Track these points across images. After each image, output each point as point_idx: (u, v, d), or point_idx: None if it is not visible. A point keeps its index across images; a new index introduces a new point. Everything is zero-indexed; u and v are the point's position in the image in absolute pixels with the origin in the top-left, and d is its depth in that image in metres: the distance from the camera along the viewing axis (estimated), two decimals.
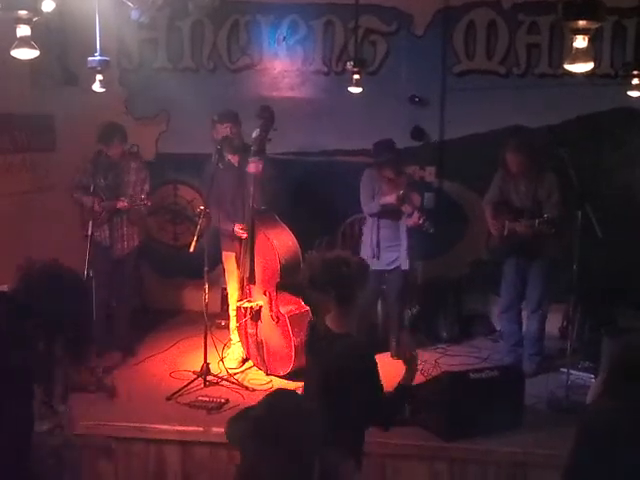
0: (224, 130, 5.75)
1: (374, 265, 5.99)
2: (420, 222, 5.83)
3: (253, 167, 5.54)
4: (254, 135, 5.54)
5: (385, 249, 6.04)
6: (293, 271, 5.53)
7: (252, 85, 7.05)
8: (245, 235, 5.70)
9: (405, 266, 6.05)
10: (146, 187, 5.98)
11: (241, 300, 5.80)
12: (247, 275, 5.74)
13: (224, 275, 6.09)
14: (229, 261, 5.93)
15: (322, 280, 3.34)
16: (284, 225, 5.74)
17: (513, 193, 5.84)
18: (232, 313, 6.00)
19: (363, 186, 6.05)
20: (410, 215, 5.92)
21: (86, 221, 5.80)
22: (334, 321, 3.37)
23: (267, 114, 5.58)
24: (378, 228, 6.03)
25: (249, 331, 5.80)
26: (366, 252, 6.06)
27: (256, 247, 5.67)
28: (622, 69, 6.25)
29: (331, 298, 3.33)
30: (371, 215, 6.05)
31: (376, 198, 5.97)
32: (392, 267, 6.07)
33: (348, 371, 3.22)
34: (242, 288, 5.82)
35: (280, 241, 5.60)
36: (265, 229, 5.64)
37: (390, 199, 5.90)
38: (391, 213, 5.98)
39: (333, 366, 3.23)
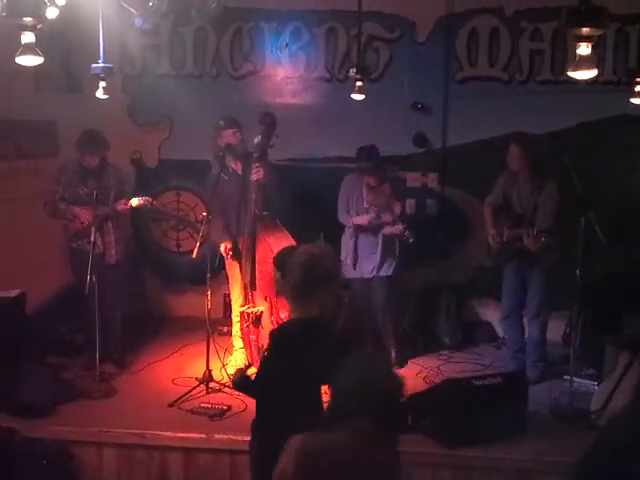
0: (231, 136, 5.74)
1: (353, 274, 6.02)
2: (400, 232, 5.77)
3: (255, 174, 5.55)
4: (256, 141, 5.56)
5: (364, 258, 6.00)
6: None
7: (255, 92, 7.05)
8: (229, 255, 5.76)
9: (384, 272, 5.98)
10: (123, 189, 5.98)
11: (244, 306, 5.81)
12: (248, 281, 5.75)
13: (228, 281, 6.08)
14: (232, 267, 5.92)
15: (285, 268, 3.50)
16: (285, 230, 5.75)
17: (515, 197, 5.83)
18: (235, 319, 6.00)
19: (342, 194, 6.04)
20: (392, 224, 5.88)
21: (74, 232, 5.74)
22: (296, 310, 3.47)
23: (269, 120, 5.59)
24: (357, 236, 6.00)
25: (251, 337, 5.81)
26: (345, 260, 6.01)
27: (257, 253, 5.68)
28: (625, 76, 6.27)
29: (290, 286, 3.45)
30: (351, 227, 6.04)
31: (360, 207, 5.95)
32: (372, 275, 6.00)
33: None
34: (245, 294, 5.82)
35: (280, 247, 5.60)
36: (266, 234, 5.65)
37: (362, 220, 5.91)
38: (369, 228, 5.94)
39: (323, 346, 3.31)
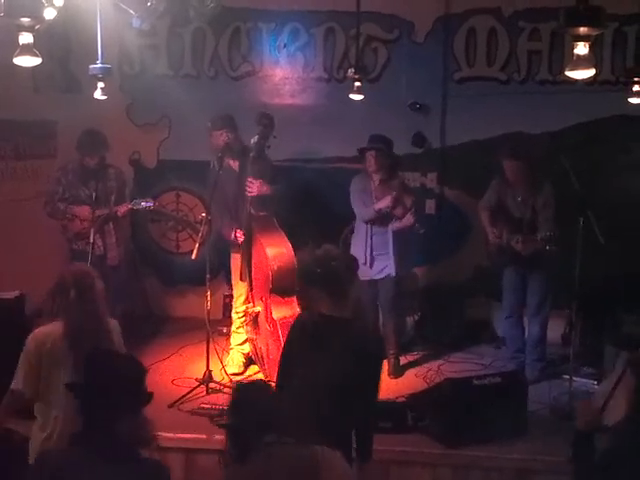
0: (220, 136, 5.74)
1: (366, 274, 5.86)
2: (412, 223, 5.74)
3: (254, 189, 5.54)
4: (252, 142, 5.55)
5: (376, 257, 5.92)
6: (285, 278, 5.51)
7: (253, 92, 7.06)
8: (242, 240, 5.73)
9: (394, 272, 5.90)
10: (126, 191, 6.00)
11: (247, 304, 5.83)
12: (246, 279, 5.77)
13: (232, 278, 6.06)
14: (236, 264, 5.92)
15: (313, 276, 3.44)
16: (280, 231, 5.73)
17: (511, 200, 5.82)
18: (235, 315, 6.01)
19: (354, 193, 5.96)
20: (400, 218, 5.85)
21: (75, 233, 5.74)
22: (331, 310, 3.41)
23: (266, 121, 5.59)
24: (371, 236, 5.92)
25: (250, 336, 5.84)
26: (359, 260, 5.95)
27: (253, 253, 5.69)
28: (623, 76, 6.27)
29: (323, 293, 3.40)
30: (366, 222, 5.93)
31: (369, 204, 5.88)
32: (383, 275, 5.92)
33: (367, 355, 3.34)
34: (247, 292, 5.86)
35: (274, 247, 5.59)
36: (260, 235, 5.65)
37: (385, 203, 5.80)
38: (383, 219, 5.88)
39: (356, 349, 3.28)
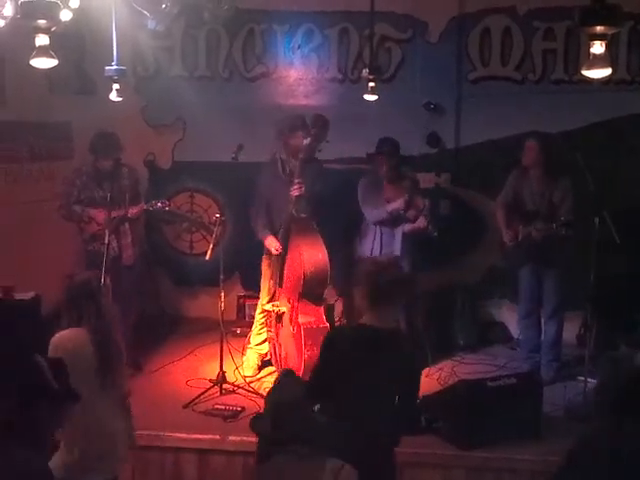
0: (298, 138, 5.69)
1: None
2: (425, 225, 5.75)
3: (297, 189, 5.54)
4: (305, 143, 5.54)
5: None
6: (317, 284, 5.52)
7: (268, 93, 7.07)
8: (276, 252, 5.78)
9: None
10: (138, 189, 6.01)
11: (272, 302, 5.85)
12: (276, 278, 5.78)
13: (261, 279, 6.04)
14: (267, 264, 5.94)
15: (363, 282, 3.50)
16: (318, 235, 5.66)
17: (527, 193, 5.82)
18: (258, 317, 6.01)
19: (363, 195, 5.96)
20: (413, 220, 5.86)
21: (90, 234, 5.75)
22: (375, 319, 3.45)
23: (321, 122, 5.60)
24: (380, 235, 5.93)
25: (269, 333, 5.85)
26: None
27: (288, 253, 5.68)
28: (638, 75, 6.24)
29: (367, 300, 3.47)
30: (378, 222, 5.91)
31: (380, 205, 5.88)
32: None
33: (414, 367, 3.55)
34: (273, 292, 5.87)
35: (309, 252, 5.54)
36: (298, 237, 5.61)
37: (397, 205, 5.81)
38: (394, 221, 5.88)
39: (406, 360, 3.43)
